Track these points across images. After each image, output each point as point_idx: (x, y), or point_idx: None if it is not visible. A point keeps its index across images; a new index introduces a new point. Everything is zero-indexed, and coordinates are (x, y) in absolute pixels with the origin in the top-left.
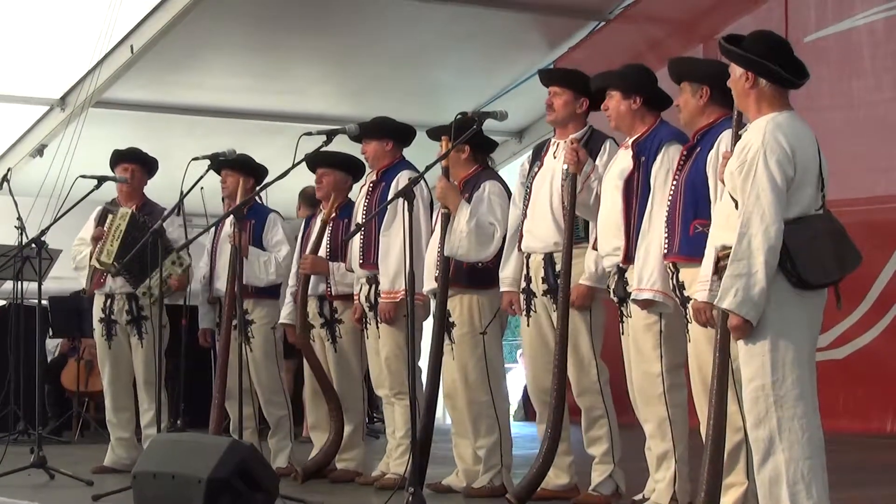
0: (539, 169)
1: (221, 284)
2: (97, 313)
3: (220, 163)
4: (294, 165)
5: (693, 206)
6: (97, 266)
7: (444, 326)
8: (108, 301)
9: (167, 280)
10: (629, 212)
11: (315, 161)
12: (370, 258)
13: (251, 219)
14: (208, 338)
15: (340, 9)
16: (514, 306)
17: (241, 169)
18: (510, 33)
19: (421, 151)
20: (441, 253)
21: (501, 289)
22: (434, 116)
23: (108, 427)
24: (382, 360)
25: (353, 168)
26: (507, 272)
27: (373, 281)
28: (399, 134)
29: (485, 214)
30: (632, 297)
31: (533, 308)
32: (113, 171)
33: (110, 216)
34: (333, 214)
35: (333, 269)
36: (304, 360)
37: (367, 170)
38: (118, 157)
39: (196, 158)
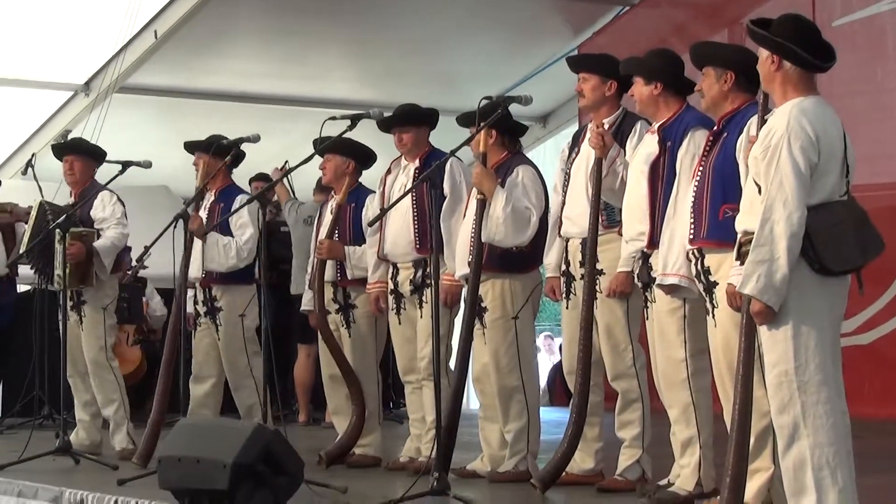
0: (577, 155)
1: (194, 270)
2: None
3: (191, 146)
4: (316, 151)
5: (722, 191)
6: None
7: (474, 311)
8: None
9: (66, 259)
10: (654, 197)
11: (320, 147)
12: (427, 243)
13: (220, 202)
14: (191, 322)
15: None
16: (555, 292)
17: (212, 151)
18: (534, 18)
19: (446, 136)
20: (474, 238)
21: (546, 275)
22: (457, 102)
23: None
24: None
25: (352, 152)
26: (551, 258)
27: (420, 265)
28: (431, 120)
29: (520, 199)
30: (657, 282)
31: (573, 291)
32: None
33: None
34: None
35: (349, 254)
36: (321, 345)
37: (402, 157)
38: (58, 151)
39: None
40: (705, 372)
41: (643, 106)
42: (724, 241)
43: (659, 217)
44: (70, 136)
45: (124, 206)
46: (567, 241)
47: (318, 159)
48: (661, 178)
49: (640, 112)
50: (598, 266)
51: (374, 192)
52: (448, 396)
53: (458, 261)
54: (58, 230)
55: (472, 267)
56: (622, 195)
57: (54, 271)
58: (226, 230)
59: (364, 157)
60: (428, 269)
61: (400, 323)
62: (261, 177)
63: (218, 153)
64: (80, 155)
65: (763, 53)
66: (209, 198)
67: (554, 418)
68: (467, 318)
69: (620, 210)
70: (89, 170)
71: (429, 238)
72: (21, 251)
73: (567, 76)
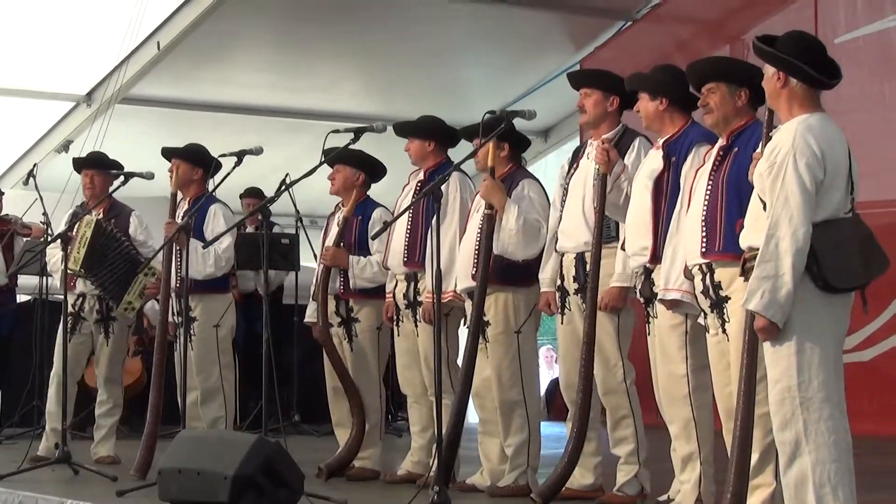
0: (575, 170)
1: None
2: (66, 309)
3: (169, 152)
4: (320, 163)
5: (738, 205)
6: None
7: (480, 325)
8: (80, 300)
9: (144, 291)
10: (658, 212)
11: (329, 157)
12: (415, 257)
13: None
14: (171, 331)
15: (367, 7)
16: (551, 307)
17: (188, 159)
18: (537, 33)
19: (454, 150)
20: (479, 251)
21: (541, 289)
22: (460, 115)
23: (46, 416)
24: (422, 359)
25: (364, 164)
26: (546, 273)
27: (411, 278)
28: (442, 135)
29: (530, 212)
30: (659, 297)
31: (567, 306)
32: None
33: (78, 223)
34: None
35: (353, 263)
36: (325, 357)
37: (413, 169)
38: (79, 165)
39: (223, 155)
40: (706, 388)
41: (649, 121)
42: (740, 254)
43: (662, 232)
44: (71, 147)
45: None
46: (562, 255)
47: (321, 171)
48: (665, 193)
49: (646, 128)
50: (588, 280)
51: (382, 205)
52: (450, 410)
53: (459, 274)
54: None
55: (478, 281)
56: (626, 211)
57: (125, 296)
58: (199, 238)
59: (374, 170)
60: (419, 285)
61: (398, 335)
62: (252, 192)
63: (195, 161)
64: (100, 169)
65: (769, 70)
66: (183, 206)
67: (552, 433)
68: (472, 332)
69: (616, 225)
70: (107, 184)
71: (418, 252)
72: (77, 265)
73: (569, 90)
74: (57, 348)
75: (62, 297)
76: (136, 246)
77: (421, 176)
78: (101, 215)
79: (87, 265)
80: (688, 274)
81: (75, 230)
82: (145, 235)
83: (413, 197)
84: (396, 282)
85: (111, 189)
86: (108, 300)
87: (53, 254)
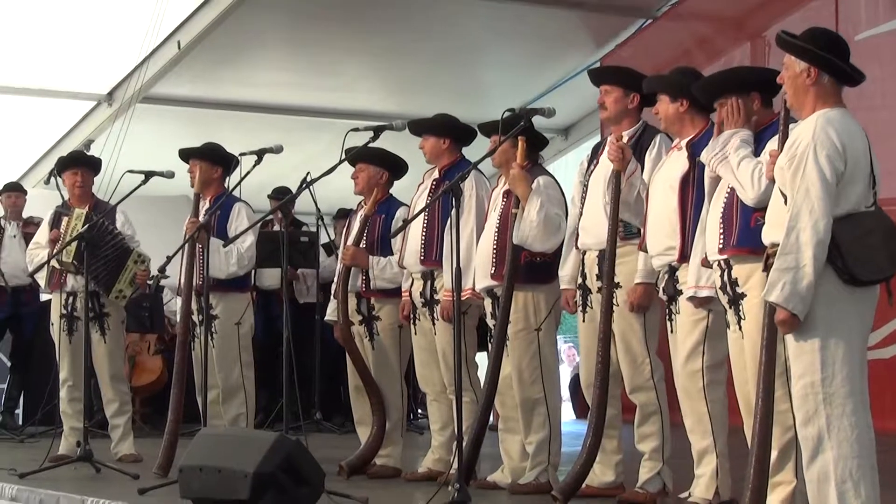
0: (595, 167)
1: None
2: (57, 310)
3: (186, 153)
4: (340, 161)
5: None
6: (56, 266)
7: (506, 323)
8: (71, 298)
9: (134, 279)
10: (685, 211)
11: (352, 155)
12: (432, 255)
13: (216, 209)
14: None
15: (387, 5)
16: (570, 304)
17: (207, 158)
18: (557, 31)
19: (468, 147)
20: (507, 249)
21: (561, 286)
22: (480, 113)
23: (61, 417)
24: (440, 356)
25: (387, 163)
26: (566, 270)
27: (428, 277)
28: (457, 133)
29: (549, 206)
30: (690, 294)
31: (589, 304)
32: (60, 177)
33: (65, 218)
34: (373, 210)
35: (373, 264)
36: (347, 356)
37: (429, 167)
38: (62, 165)
39: (244, 154)
40: (721, 383)
41: (668, 123)
42: (756, 248)
43: (690, 232)
44: (93, 147)
45: None
46: (584, 253)
47: (342, 170)
48: (692, 193)
49: (664, 129)
50: (615, 279)
51: (405, 204)
52: (476, 408)
53: (478, 273)
54: (135, 252)
55: (505, 278)
56: (637, 209)
57: (115, 284)
58: (221, 237)
59: (398, 168)
60: (436, 283)
61: (416, 333)
62: (279, 193)
63: (214, 160)
64: (87, 167)
65: (797, 66)
66: (204, 205)
67: (573, 430)
68: (499, 331)
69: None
70: (92, 182)
71: (434, 251)
72: (70, 257)
73: (589, 89)
74: (60, 348)
75: (69, 297)
76: (125, 238)
77: (436, 174)
78: (90, 210)
79: (80, 257)
80: (706, 263)
81: (62, 226)
82: (132, 231)
83: (429, 195)
84: (413, 280)
85: (134, 187)
86: (98, 290)
87: (35, 254)
